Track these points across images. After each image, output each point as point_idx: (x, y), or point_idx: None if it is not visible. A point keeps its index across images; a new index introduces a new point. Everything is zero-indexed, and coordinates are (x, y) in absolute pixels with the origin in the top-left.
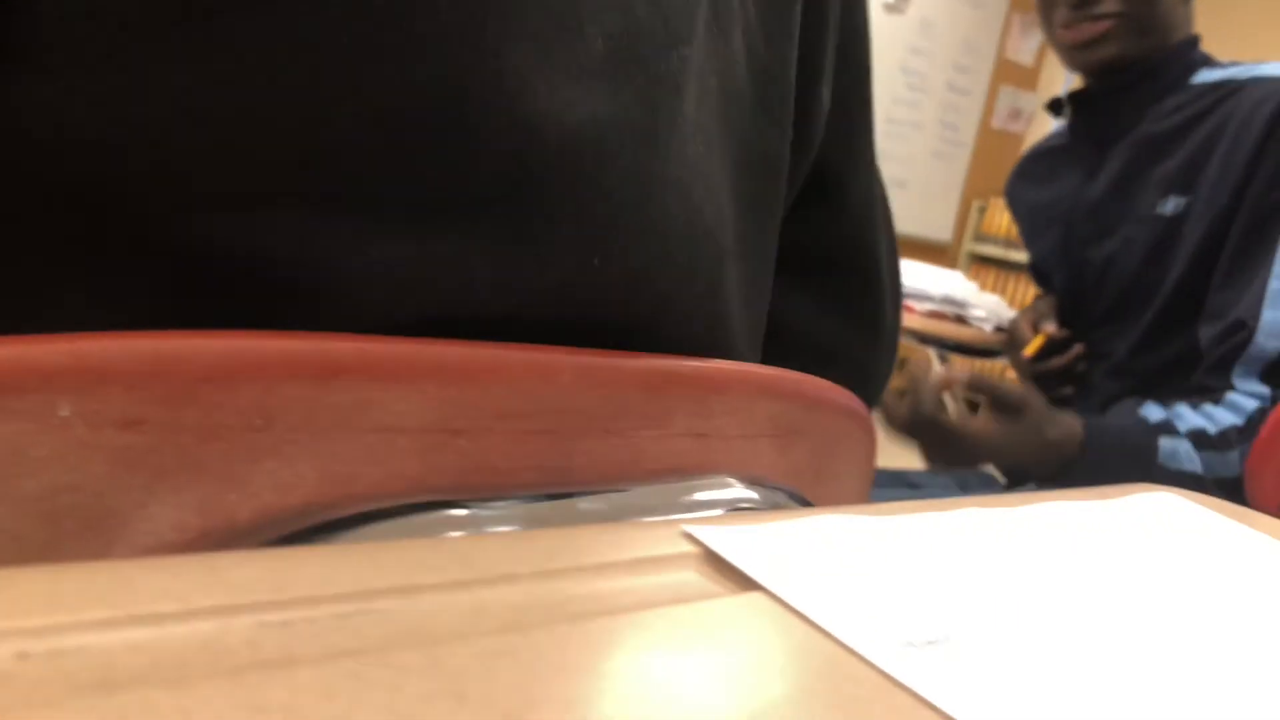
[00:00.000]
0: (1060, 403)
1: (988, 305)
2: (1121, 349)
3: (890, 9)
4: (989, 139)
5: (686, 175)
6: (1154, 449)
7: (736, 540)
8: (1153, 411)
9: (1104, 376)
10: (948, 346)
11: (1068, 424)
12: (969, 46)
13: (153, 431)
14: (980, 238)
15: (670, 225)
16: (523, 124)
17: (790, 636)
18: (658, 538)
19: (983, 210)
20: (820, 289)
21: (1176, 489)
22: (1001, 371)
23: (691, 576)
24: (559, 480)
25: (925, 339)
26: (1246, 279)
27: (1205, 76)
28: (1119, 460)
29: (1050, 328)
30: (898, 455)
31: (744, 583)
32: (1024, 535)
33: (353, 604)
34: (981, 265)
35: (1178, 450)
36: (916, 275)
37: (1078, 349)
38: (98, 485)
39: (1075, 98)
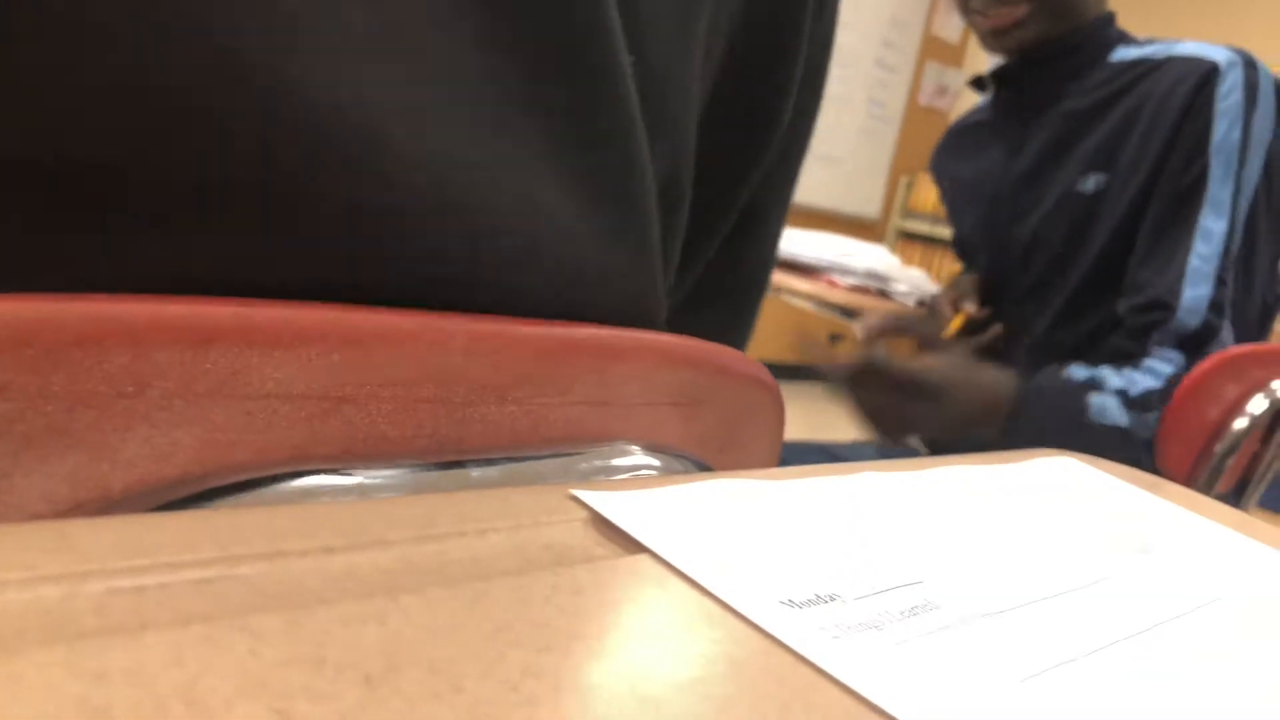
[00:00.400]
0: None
1: (911, 280)
2: (1041, 325)
3: None
4: (916, 115)
5: (487, 157)
6: (1084, 405)
7: (622, 503)
8: (1078, 371)
9: (1024, 353)
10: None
11: (997, 372)
12: (896, 23)
13: (17, 398)
14: (908, 214)
15: (474, 205)
16: (269, 109)
17: (673, 598)
18: (544, 502)
19: (910, 186)
20: (730, 308)
21: (1078, 455)
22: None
23: (576, 540)
24: (453, 448)
25: (848, 313)
26: (1166, 256)
27: (1123, 54)
28: (1052, 416)
29: (970, 307)
30: (822, 428)
31: (630, 546)
32: (917, 497)
33: (213, 569)
34: (908, 241)
35: (1106, 406)
36: (841, 250)
37: (997, 329)
38: None
39: (997, 75)
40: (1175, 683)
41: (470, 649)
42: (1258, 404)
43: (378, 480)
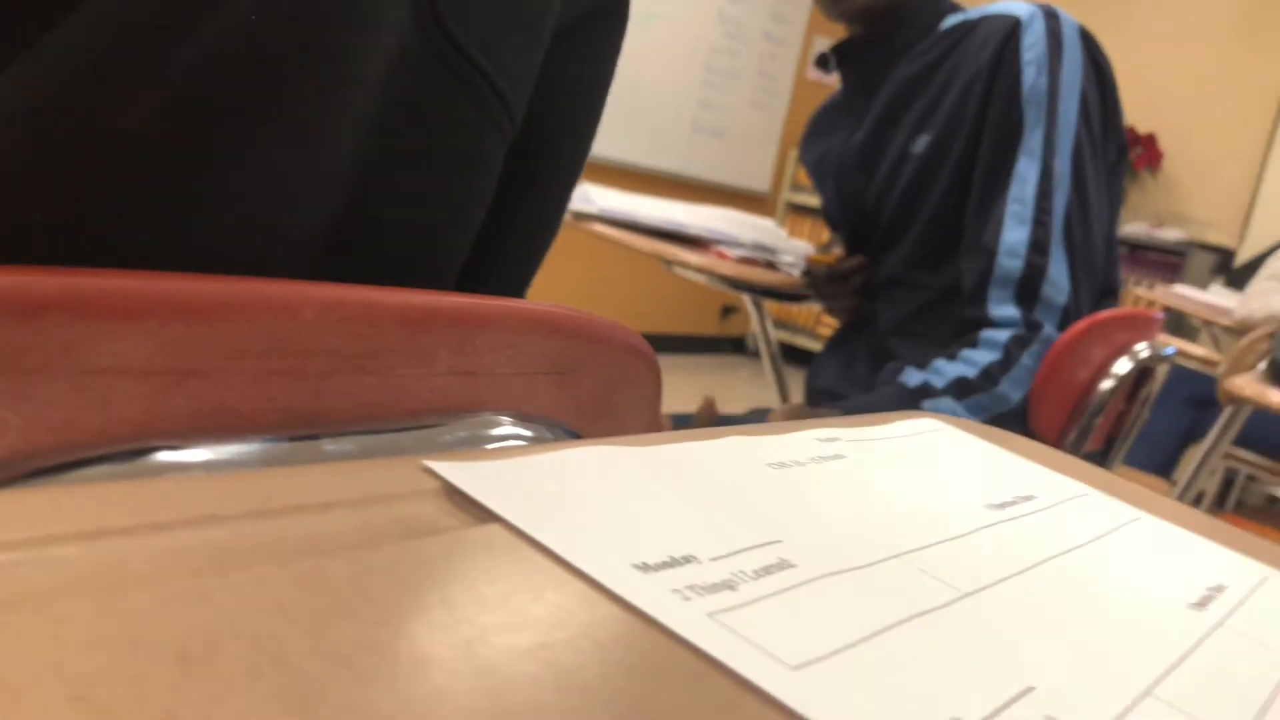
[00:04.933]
0: (847, 314)
1: (797, 251)
2: (897, 267)
3: None
4: (805, 89)
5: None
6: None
7: (475, 473)
8: (911, 377)
9: (884, 288)
10: (758, 291)
11: (819, 415)
12: None
13: None
14: (797, 187)
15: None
16: None
17: (523, 566)
18: (394, 474)
19: (798, 160)
20: (525, 251)
21: (943, 416)
22: (817, 313)
23: (426, 511)
24: (309, 422)
25: (738, 285)
26: (988, 206)
27: (950, 21)
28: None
29: (838, 250)
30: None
31: (482, 516)
32: (780, 459)
33: (21, 552)
34: (798, 214)
35: (939, 409)
36: (728, 222)
37: (859, 259)
38: None
39: (838, 50)
40: (1019, 635)
41: (299, 625)
42: (1122, 365)
43: (227, 455)
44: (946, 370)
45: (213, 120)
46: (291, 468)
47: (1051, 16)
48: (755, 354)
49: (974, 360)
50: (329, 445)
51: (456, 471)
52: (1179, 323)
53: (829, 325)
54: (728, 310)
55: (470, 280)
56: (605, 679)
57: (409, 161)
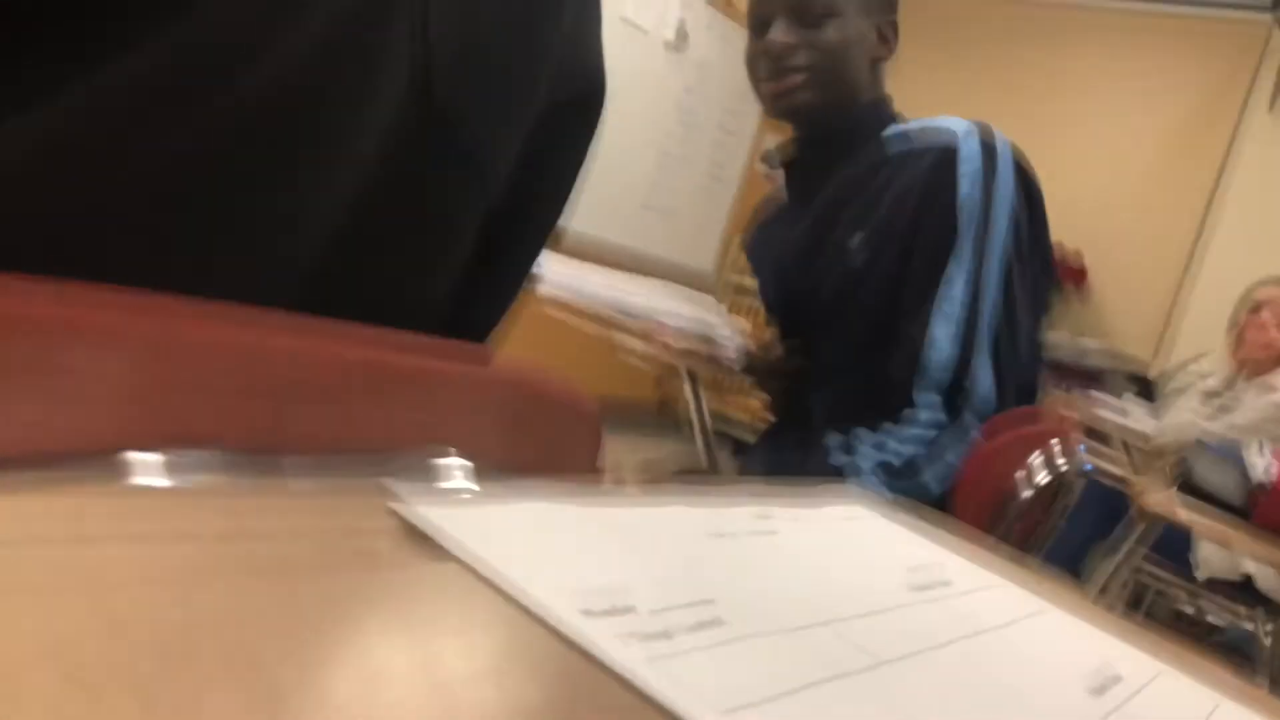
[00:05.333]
0: (778, 395)
1: (734, 328)
2: (833, 356)
3: (670, 46)
4: (753, 180)
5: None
6: None
7: (436, 516)
8: (837, 457)
9: (822, 375)
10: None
11: None
12: (740, 92)
13: None
14: (739, 270)
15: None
16: None
17: (476, 602)
18: (359, 509)
19: (741, 245)
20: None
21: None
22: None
23: (387, 547)
24: (268, 442)
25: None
26: (918, 306)
27: (891, 131)
28: None
29: (768, 338)
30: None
31: (440, 555)
32: (717, 528)
33: (17, 549)
34: (738, 294)
35: (864, 485)
36: (671, 296)
37: (779, 350)
38: None
39: (783, 149)
40: (929, 704)
41: (272, 635)
42: (1041, 476)
43: (189, 461)
44: (871, 455)
45: (227, 172)
46: (260, 496)
47: (986, 134)
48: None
49: (898, 451)
50: (286, 460)
51: (418, 515)
52: (1096, 437)
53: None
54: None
55: (446, 326)
56: (551, 707)
57: (391, 223)
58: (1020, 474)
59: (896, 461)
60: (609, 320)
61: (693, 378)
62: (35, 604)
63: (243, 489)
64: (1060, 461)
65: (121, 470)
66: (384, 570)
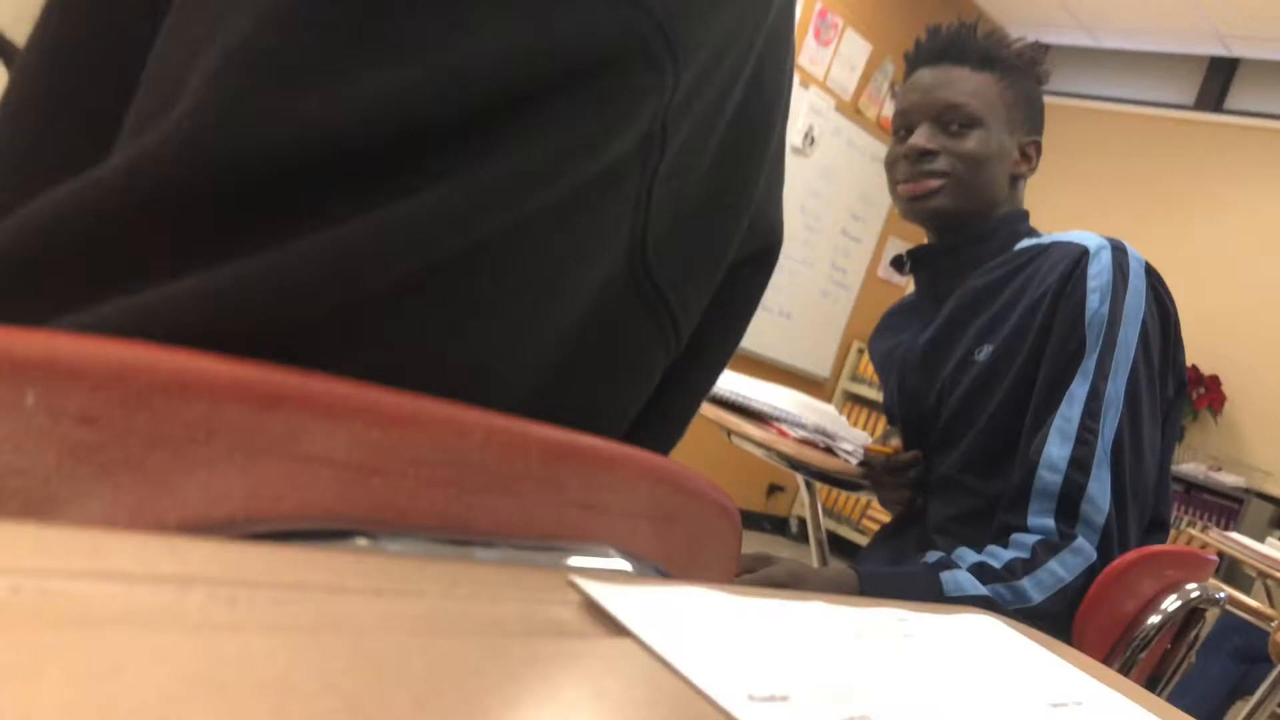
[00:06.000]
0: (898, 506)
1: (855, 439)
2: (951, 466)
3: (796, 151)
4: (873, 285)
5: None
6: (937, 582)
7: (614, 593)
8: (931, 555)
9: (939, 486)
10: (813, 474)
11: (837, 568)
12: (864, 197)
13: (106, 430)
14: (856, 378)
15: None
16: None
17: (648, 677)
18: (548, 583)
19: (861, 351)
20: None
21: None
22: (864, 504)
23: (572, 617)
24: (457, 529)
25: (795, 465)
26: (1042, 422)
27: (1024, 244)
28: (903, 597)
29: (895, 442)
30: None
31: (617, 630)
32: (859, 629)
33: (289, 593)
34: (854, 403)
35: (959, 580)
36: (792, 402)
37: (917, 452)
38: (46, 472)
39: (914, 255)
40: None
41: (492, 687)
42: (1171, 603)
43: (394, 546)
44: (968, 556)
45: (466, 299)
46: (467, 564)
47: (1119, 250)
48: (796, 536)
49: (999, 555)
50: (478, 552)
51: (597, 589)
52: (1232, 570)
53: (874, 519)
54: (774, 489)
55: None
56: None
57: (594, 366)
58: (1147, 597)
59: (995, 564)
60: (727, 421)
61: (810, 486)
62: (310, 642)
63: (435, 558)
64: (1191, 587)
65: (341, 542)
66: (572, 638)
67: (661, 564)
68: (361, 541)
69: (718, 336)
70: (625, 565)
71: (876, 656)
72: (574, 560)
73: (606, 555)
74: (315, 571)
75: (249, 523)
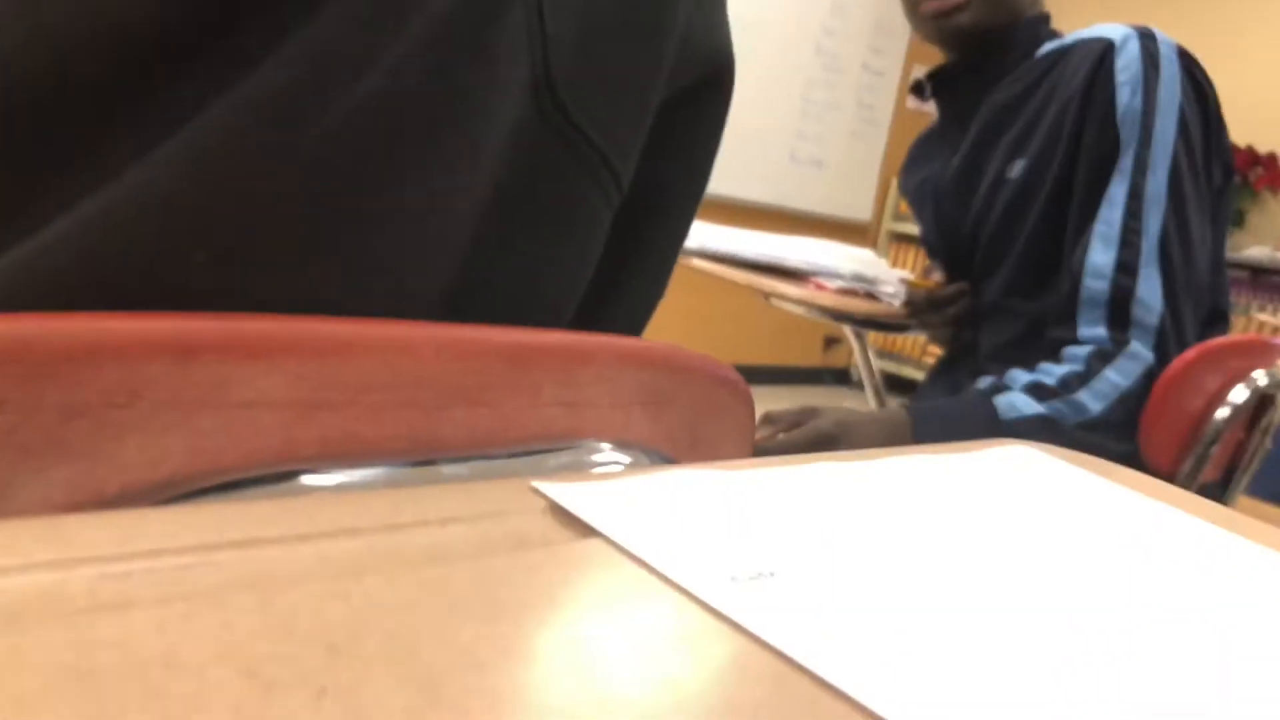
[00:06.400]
0: (947, 341)
1: (896, 280)
2: (995, 292)
3: None
4: (904, 119)
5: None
6: (991, 407)
7: (579, 493)
8: (983, 381)
9: (984, 315)
10: (858, 322)
11: (888, 410)
12: (881, 26)
13: (14, 411)
14: (900, 216)
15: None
16: None
17: (623, 577)
18: (506, 494)
19: (899, 188)
20: (640, 296)
21: (1035, 443)
22: (923, 343)
23: (534, 527)
24: (428, 449)
25: (839, 316)
26: (1081, 231)
27: (1045, 48)
28: (961, 429)
29: (937, 276)
30: None
31: (586, 532)
32: (868, 485)
33: (193, 556)
34: (901, 242)
35: (1014, 402)
36: (826, 254)
37: (963, 285)
38: None
39: (934, 76)
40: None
41: (427, 621)
42: (1239, 394)
43: (355, 479)
44: (1020, 377)
45: (344, 189)
46: (415, 488)
47: (1147, 37)
48: (858, 385)
49: (1052, 371)
50: (447, 469)
51: (561, 491)
52: None
53: (935, 354)
54: (830, 341)
55: (589, 324)
56: (696, 676)
57: (523, 227)
58: (1213, 392)
59: (1049, 381)
60: (762, 284)
61: (859, 335)
62: (212, 608)
63: (401, 484)
64: (1258, 375)
65: (289, 480)
66: (533, 550)
67: (663, 450)
68: (316, 479)
69: (670, 181)
70: (619, 457)
71: (880, 515)
72: (561, 460)
73: (598, 450)
74: (229, 528)
75: (194, 479)
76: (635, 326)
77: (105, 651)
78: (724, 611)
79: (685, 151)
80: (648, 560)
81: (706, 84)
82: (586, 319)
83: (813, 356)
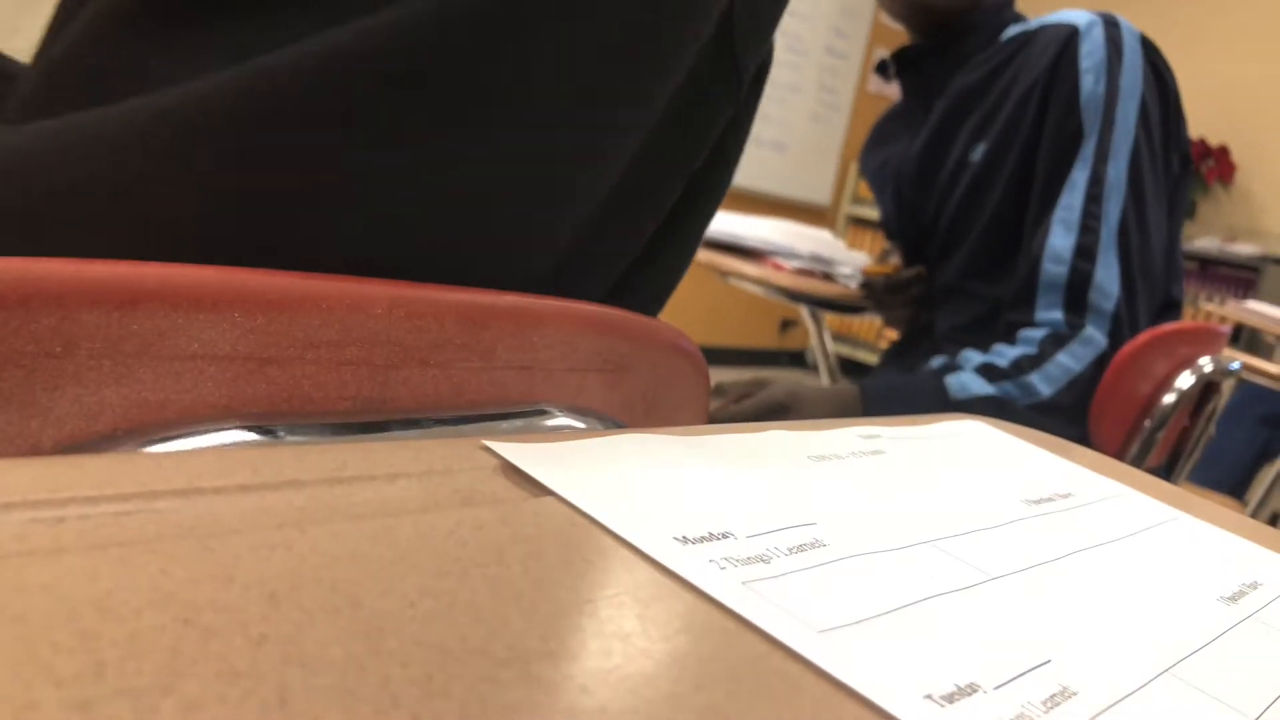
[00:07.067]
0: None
1: (854, 262)
2: (953, 274)
3: None
4: (865, 102)
5: None
6: (943, 386)
7: (531, 452)
8: (935, 360)
9: (940, 297)
10: (815, 303)
11: (842, 384)
12: (846, 11)
13: None
14: (858, 200)
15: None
16: None
17: (573, 534)
18: (455, 451)
19: (860, 172)
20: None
21: (986, 417)
22: (879, 327)
23: (484, 485)
24: (376, 409)
25: (795, 296)
26: (1044, 215)
27: (1010, 32)
28: (909, 405)
29: (895, 259)
30: None
31: (537, 491)
32: (819, 452)
33: (131, 504)
34: (859, 226)
35: (965, 382)
36: (785, 234)
37: (920, 269)
38: None
39: (898, 57)
40: (1042, 617)
41: (371, 573)
42: (1185, 380)
43: (301, 438)
44: (973, 357)
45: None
46: (362, 443)
47: (1111, 24)
48: (813, 368)
49: (1004, 353)
50: (396, 432)
51: (513, 450)
52: (1253, 340)
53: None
54: (786, 324)
55: (621, 298)
56: (644, 632)
57: (669, 164)
58: (1160, 377)
59: (1001, 362)
60: (720, 263)
61: (815, 317)
62: (149, 555)
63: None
64: (1204, 362)
65: (236, 437)
66: (481, 506)
67: (618, 418)
68: (260, 436)
69: (733, 151)
70: (573, 423)
71: (836, 477)
72: (513, 425)
73: (551, 416)
74: (169, 477)
75: (135, 433)
76: (666, 291)
77: (35, 595)
78: (674, 569)
79: (741, 128)
80: (598, 518)
81: (763, 68)
82: (621, 286)
83: (769, 339)
